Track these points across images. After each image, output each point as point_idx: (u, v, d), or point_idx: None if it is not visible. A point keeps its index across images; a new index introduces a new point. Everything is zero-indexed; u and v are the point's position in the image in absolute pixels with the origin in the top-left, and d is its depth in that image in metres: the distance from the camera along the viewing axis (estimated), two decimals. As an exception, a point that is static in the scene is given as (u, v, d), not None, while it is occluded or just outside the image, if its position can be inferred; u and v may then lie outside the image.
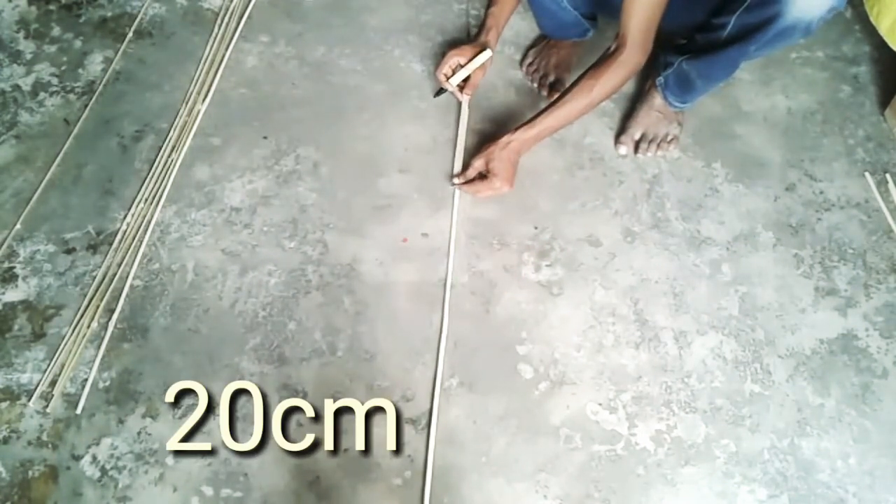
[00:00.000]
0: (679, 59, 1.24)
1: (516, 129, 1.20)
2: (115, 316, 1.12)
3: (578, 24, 1.37)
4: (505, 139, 1.20)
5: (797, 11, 1.04)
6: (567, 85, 1.38)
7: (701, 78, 1.23)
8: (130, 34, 1.47)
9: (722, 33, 1.13)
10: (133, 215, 1.23)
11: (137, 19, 1.49)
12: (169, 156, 1.30)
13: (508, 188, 1.21)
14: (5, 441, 1.03)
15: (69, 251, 1.19)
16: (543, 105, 1.38)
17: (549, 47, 1.42)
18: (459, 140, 1.33)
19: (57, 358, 1.09)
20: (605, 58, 1.16)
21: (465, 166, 1.26)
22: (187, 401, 1.06)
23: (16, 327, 1.12)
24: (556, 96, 1.38)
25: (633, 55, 1.14)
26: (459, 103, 1.37)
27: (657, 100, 1.32)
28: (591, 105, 1.18)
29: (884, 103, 1.41)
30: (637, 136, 1.33)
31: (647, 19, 1.11)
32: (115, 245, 1.20)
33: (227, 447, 1.03)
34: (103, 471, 1.01)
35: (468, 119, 1.36)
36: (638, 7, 1.10)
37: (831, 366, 1.12)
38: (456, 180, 1.26)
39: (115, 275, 1.17)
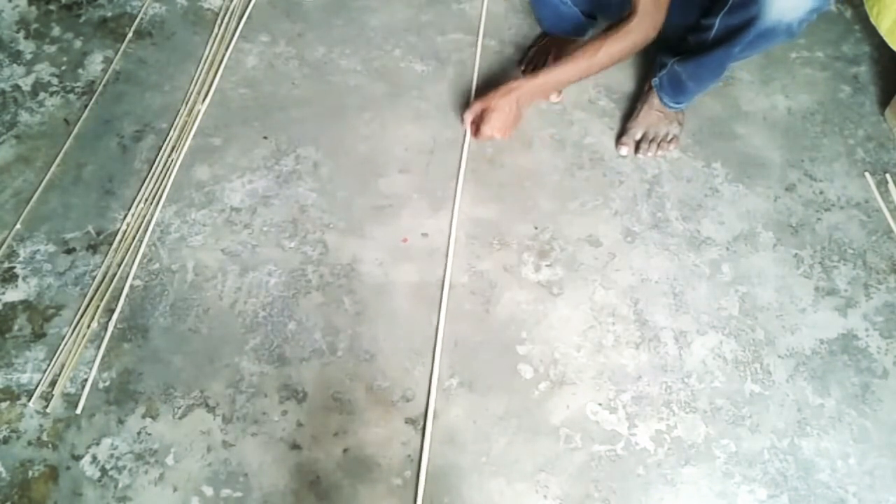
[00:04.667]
0: (671, 60, 1.25)
1: (521, 78, 1.22)
2: (115, 316, 1.12)
3: (578, 21, 1.37)
4: (506, 87, 1.21)
5: (776, 13, 1.05)
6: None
7: (692, 80, 1.24)
8: (130, 34, 1.47)
9: (709, 34, 1.15)
10: (133, 215, 1.23)
11: (137, 19, 1.49)
12: (169, 156, 1.30)
13: (500, 135, 1.24)
14: (5, 441, 1.03)
15: (69, 251, 1.19)
16: (542, 103, 1.39)
17: (549, 45, 1.42)
18: (464, 142, 1.33)
19: (57, 358, 1.09)
20: (616, 25, 1.16)
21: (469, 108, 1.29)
22: (187, 400, 1.06)
23: (16, 327, 1.12)
24: (553, 95, 1.38)
25: (641, 25, 1.13)
26: (459, 102, 1.37)
27: (657, 100, 1.32)
28: (593, 67, 1.18)
29: (884, 103, 1.41)
30: (638, 136, 1.33)
31: None
32: (115, 245, 1.20)
33: (226, 446, 1.03)
34: (103, 471, 1.01)
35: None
36: None
37: (831, 366, 1.12)
38: (466, 115, 1.28)
39: (115, 275, 1.17)
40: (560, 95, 1.38)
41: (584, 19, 1.37)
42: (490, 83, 1.42)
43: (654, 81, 1.31)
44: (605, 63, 1.17)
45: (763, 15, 1.05)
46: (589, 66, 1.17)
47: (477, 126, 1.26)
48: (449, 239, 1.22)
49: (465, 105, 1.36)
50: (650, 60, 1.41)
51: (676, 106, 1.31)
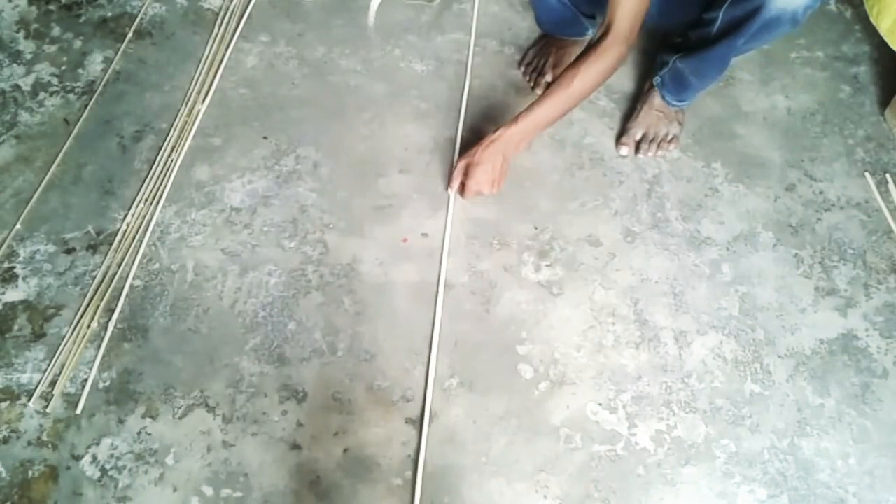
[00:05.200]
0: (674, 57, 1.24)
1: (501, 126, 1.16)
2: (115, 316, 1.12)
3: (577, 23, 1.37)
4: (487, 139, 1.16)
5: (781, 1, 1.04)
6: None
7: (695, 76, 1.24)
8: (130, 34, 1.47)
9: (712, 28, 1.14)
10: (133, 215, 1.23)
11: (137, 19, 1.49)
12: (169, 156, 1.30)
13: (489, 190, 1.18)
14: (5, 441, 1.03)
15: (69, 251, 1.19)
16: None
17: (548, 46, 1.42)
18: (458, 143, 1.33)
19: (57, 358, 1.09)
20: (587, 49, 1.12)
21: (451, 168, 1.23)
22: (187, 400, 1.06)
23: (16, 327, 1.12)
24: None
25: (615, 45, 1.09)
26: (460, 102, 1.37)
27: (657, 99, 1.32)
28: (573, 97, 1.12)
29: (884, 103, 1.41)
30: (638, 137, 1.33)
31: (633, 8, 1.08)
32: (115, 245, 1.20)
33: (226, 446, 1.03)
34: (103, 471, 1.01)
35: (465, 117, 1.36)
36: None
37: (831, 366, 1.12)
38: (450, 190, 1.24)
39: (115, 275, 1.17)
40: None
41: (583, 19, 1.36)
42: (488, 84, 1.42)
43: (656, 80, 1.31)
44: (584, 90, 1.12)
45: (768, 3, 1.04)
46: (567, 97, 1.11)
47: (463, 185, 1.20)
48: (443, 237, 1.22)
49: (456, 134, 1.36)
50: (650, 60, 1.41)
51: (679, 104, 1.31)
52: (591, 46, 1.12)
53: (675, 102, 1.30)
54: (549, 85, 1.38)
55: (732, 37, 1.11)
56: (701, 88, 1.28)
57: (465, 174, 1.19)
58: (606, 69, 1.11)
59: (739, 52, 1.17)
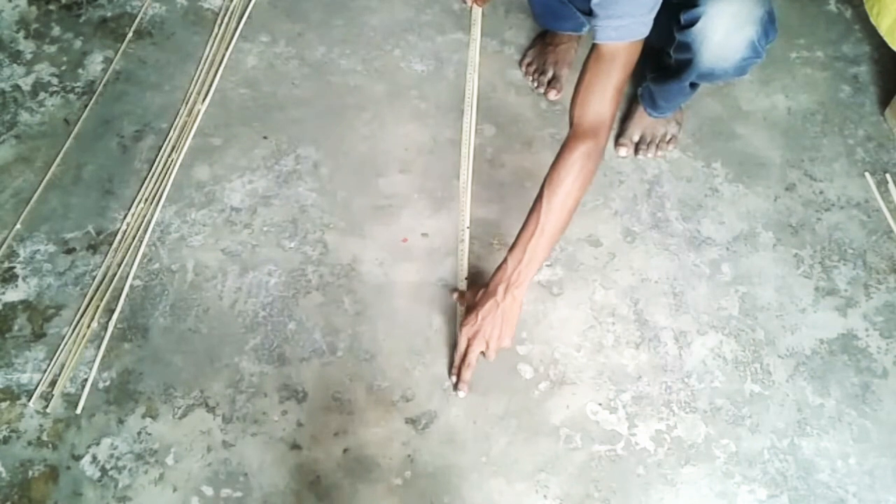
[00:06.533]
0: (649, 75, 1.27)
1: (492, 281, 1.03)
2: (115, 316, 1.12)
3: (573, 17, 1.36)
4: (488, 305, 1.02)
5: (707, 63, 1.07)
6: (563, 81, 1.39)
7: (662, 99, 1.26)
8: (130, 34, 1.47)
9: (671, 62, 1.16)
10: (133, 215, 1.23)
11: (137, 19, 1.49)
12: (169, 156, 1.30)
13: (509, 344, 1.05)
14: (5, 441, 1.03)
15: (69, 251, 1.19)
16: (542, 103, 1.39)
17: (547, 45, 1.42)
18: (465, 139, 1.33)
19: (57, 358, 1.09)
20: (557, 157, 1.01)
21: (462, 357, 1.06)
22: (187, 400, 1.06)
23: (16, 327, 1.12)
24: (552, 92, 1.38)
25: (580, 145, 0.99)
26: (462, 99, 1.37)
27: None
28: (555, 226, 1.00)
29: (884, 103, 1.41)
30: (636, 138, 1.33)
31: (596, 101, 0.99)
32: (115, 245, 1.20)
33: (226, 446, 1.03)
34: (103, 471, 1.01)
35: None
36: (582, 88, 1.00)
37: (831, 366, 1.12)
38: (462, 392, 1.07)
39: (115, 275, 1.17)
40: (560, 93, 1.38)
41: (579, 15, 1.36)
42: (488, 84, 1.42)
43: (639, 90, 1.33)
44: (565, 208, 0.99)
45: (698, 62, 1.07)
46: (553, 222, 0.99)
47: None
48: (461, 234, 1.22)
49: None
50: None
51: (657, 115, 1.31)
52: (559, 156, 1.01)
53: (653, 114, 1.31)
54: (550, 82, 1.39)
55: (681, 77, 1.14)
56: (671, 109, 1.30)
57: (471, 343, 1.04)
58: (579, 175, 0.99)
59: (688, 91, 1.21)
